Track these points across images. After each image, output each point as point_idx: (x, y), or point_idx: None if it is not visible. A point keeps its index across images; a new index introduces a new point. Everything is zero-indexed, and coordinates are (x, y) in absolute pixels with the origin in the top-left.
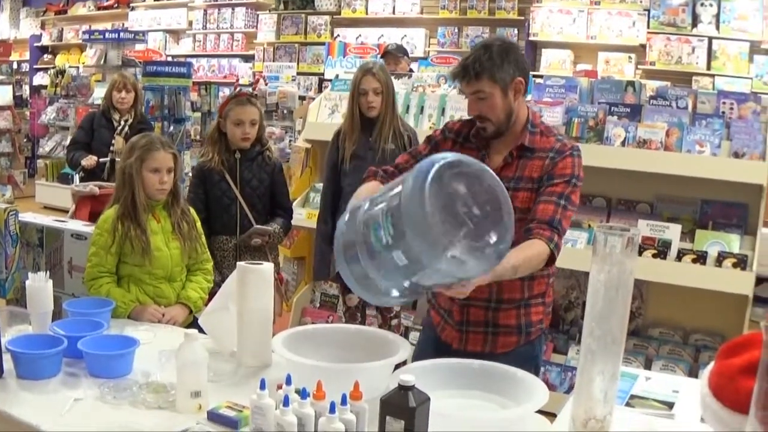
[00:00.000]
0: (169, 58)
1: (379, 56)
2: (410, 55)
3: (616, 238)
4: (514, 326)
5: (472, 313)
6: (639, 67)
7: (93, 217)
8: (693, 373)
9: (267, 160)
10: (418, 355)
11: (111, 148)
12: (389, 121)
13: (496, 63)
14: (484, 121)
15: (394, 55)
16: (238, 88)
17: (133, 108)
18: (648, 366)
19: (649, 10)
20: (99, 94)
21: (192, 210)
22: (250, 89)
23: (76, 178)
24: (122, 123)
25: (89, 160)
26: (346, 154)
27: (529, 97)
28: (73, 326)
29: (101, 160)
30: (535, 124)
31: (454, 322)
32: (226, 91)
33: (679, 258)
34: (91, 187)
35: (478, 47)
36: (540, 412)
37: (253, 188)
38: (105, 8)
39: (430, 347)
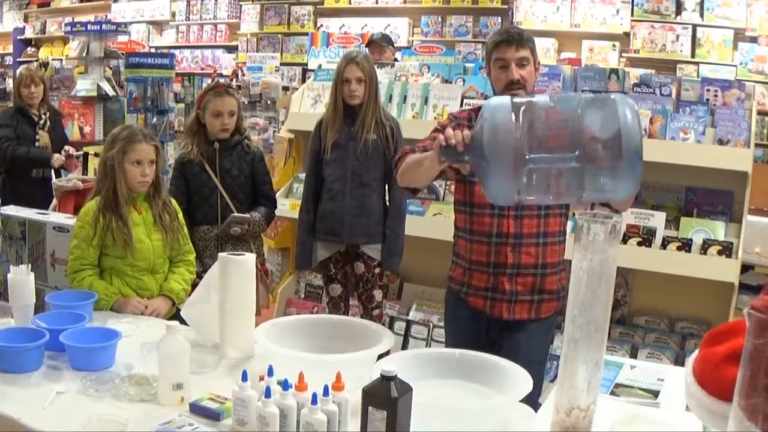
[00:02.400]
0: (153, 50)
1: (363, 46)
2: (394, 45)
3: (598, 225)
4: (555, 291)
5: (521, 282)
6: (623, 55)
7: (77, 211)
8: (679, 361)
9: (246, 149)
10: (464, 342)
11: (36, 143)
12: (372, 111)
13: (532, 41)
14: (518, 89)
15: (378, 44)
16: (215, 79)
17: (44, 101)
18: (634, 354)
19: None
20: (82, 86)
21: (173, 201)
22: (228, 80)
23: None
24: (42, 117)
25: (58, 161)
26: (327, 143)
27: None
28: (55, 319)
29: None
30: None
31: (504, 294)
32: (209, 82)
33: (664, 246)
34: (75, 181)
35: (509, 26)
36: (524, 401)
37: (233, 177)
38: (88, 0)
39: (473, 328)
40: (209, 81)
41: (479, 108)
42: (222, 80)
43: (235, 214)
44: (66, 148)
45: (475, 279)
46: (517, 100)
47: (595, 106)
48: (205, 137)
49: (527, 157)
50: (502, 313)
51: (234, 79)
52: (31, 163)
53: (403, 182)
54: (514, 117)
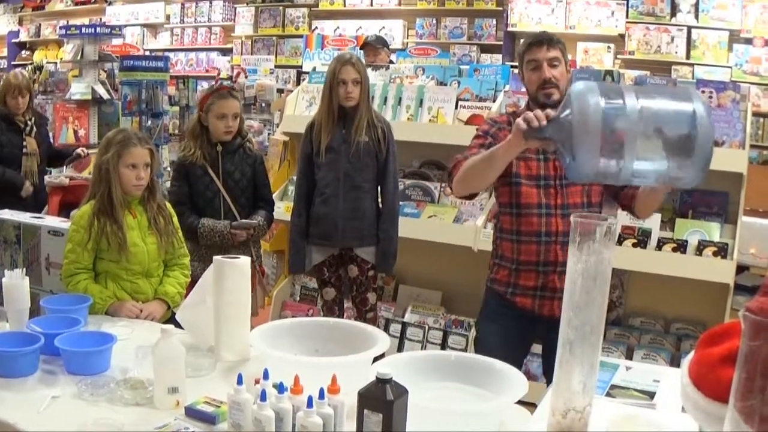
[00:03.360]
0: (147, 53)
1: (358, 48)
2: (390, 47)
3: (593, 227)
4: None
5: None
6: (618, 56)
7: (63, 207)
8: (675, 362)
9: (248, 152)
10: (503, 340)
11: (24, 150)
12: (365, 113)
13: (563, 42)
14: (552, 88)
15: (373, 46)
16: (219, 82)
17: (29, 107)
18: (630, 356)
19: (627, 0)
20: (77, 89)
21: (168, 205)
22: (230, 82)
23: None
24: (27, 123)
25: (26, 191)
26: (321, 146)
27: (507, 87)
28: (51, 323)
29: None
30: None
31: (555, 292)
32: (204, 85)
33: (659, 247)
34: (62, 178)
35: (540, 32)
36: (521, 403)
37: (235, 181)
38: (82, 3)
39: (516, 328)
40: (204, 84)
41: (514, 113)
42: (225, 82)
43: (242, 220)
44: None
45: (522, 279)
46: (600, 83)
47: (677, 97)
48: (207, 140)
49: (615, 131)
50: (553, 311)
51: (235, 82)
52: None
53: (462, 188)
54: (603, 100)
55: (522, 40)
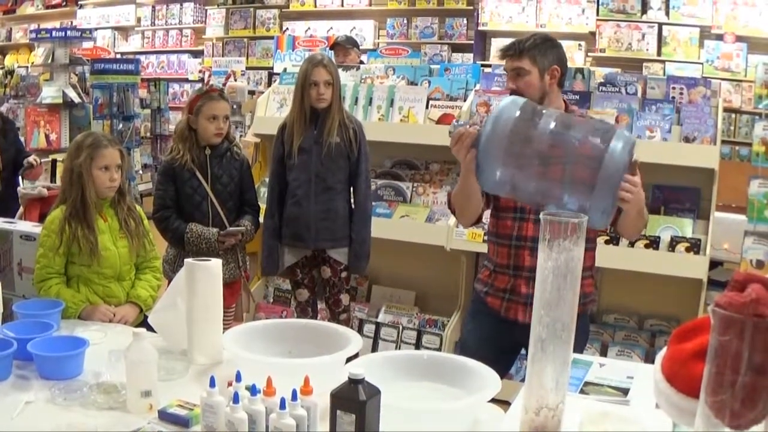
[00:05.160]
0: (118, 56)
1: (328, 48)
2: (360, 47)
3: (563, 225)
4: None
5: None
6: (589, 54)
7: (43, 219)
8: (649, 358)
9: (236, 156)
10: (478, 340)
11: None
12: (337, 114)
13: (540, 48)
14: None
15: (343, 46)
16: (209, 84)
17: None
18: (604, 352)
19: None
20: (47, 93)
21: (138, 207)
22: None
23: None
24: None
25: None
26: (293, 148)
27: (477, 86)
28: (23, 328)
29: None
30: (574, 111)
31: (520, 297)
32: (175, 87)
33: (632, 244)
34: (39, 189)
35: (531, 35)
36: (495, 401)
37: (223, 185)
38: (53, 6)
39: (491, 329)
40: (176, 86)
41: None
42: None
43: (230, 228)
44: (31, 158)
45: (498, 281)
46: (530, 103)
47: (597, 132)
48: (196, 143)
49: (517, 150)
50: (517, 315)
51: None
52: None
53: (464, 222)
54: (519, 112)
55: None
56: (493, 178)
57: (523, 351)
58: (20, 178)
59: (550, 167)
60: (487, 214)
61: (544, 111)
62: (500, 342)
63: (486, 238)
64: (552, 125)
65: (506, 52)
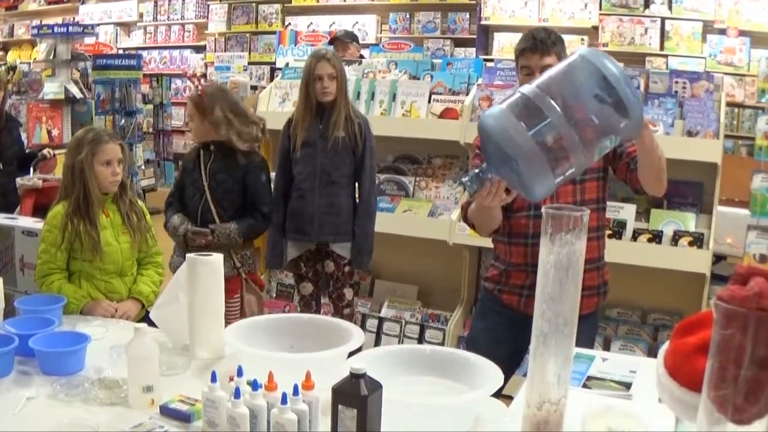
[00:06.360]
0: (120, 51)
1: (328, 43)
2: (362, 42)
3: (564, 218)
4: (595, 287)
5: None
6: None
7: (37, 209)
8: (652, 352)
9: (243, 155)
10: (491, 340)
11: None
12: (342, 108)
13: (562, 43)
14: None
15: (342, 41)
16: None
17: (2, 107)
18: (607, 347)
19: None
20: (49, 89)
21: (140, 203)
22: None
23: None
24: None
25: None
26: (297, 142)
27: (480, 81)
28: (25, 324)
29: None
30: None
31: None
32: (178, 83)
33: (634, 238)
34: (34, 180)
35: (537, 29)
36: (498, 395)
37: (218, 182)
38: (55, 2)
39: (509, 331)
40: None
41: None
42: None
43: (198, 228)
44: (45, 150)
45: (512, 278)
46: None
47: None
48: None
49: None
50: None
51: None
52: None
53: (485, 233)
54: (512, 116)
55: (519, 40)
56: (551, 183)
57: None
58: (31, 170)
59: (577, 116)
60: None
61: (519, 92)
62: (515, 341)
63: (494, 237)
64: (555, 100)
65: (534, 47)
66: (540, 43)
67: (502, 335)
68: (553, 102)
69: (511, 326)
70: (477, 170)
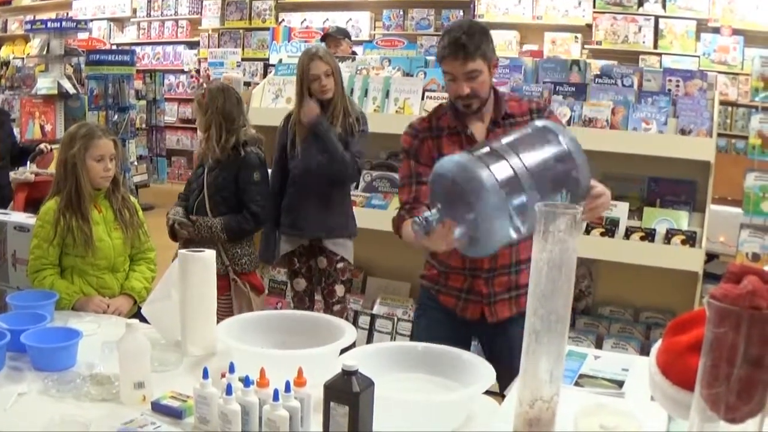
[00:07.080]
0: (114, 47)
1: (320, 40)
2: (355, 39)
3: (558, 216)
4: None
5: (497, 283)
6: (585, 47)
7: (29, 203)
8: (644, 350)
9: (241, 153)
10: (431, 339)
11: None
12: (340, 102)
13: (485, 41)
14: (471, 99)
15: (334, 37)
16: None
17: None
18: (599, 345)
19: None
20: (43, 84)
21: (133, 198)
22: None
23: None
24: None
25: None
26: (296, 138)
27: None
28: (17, 320)
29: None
30: (504, 93)
31: (481, 296)
32: (171, 79)
33: (627, 236)
34: (27, 174)
35: (457, 29)
36: (491, 393)
37: (213, 178)
38: None
39: (448, 330)
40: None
41: (436, 110)
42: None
43: (179, 218)
44: (42, 145)
45: (451, 280)
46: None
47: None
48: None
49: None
50: (476, 314)
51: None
52: None
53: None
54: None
55: (439, 41)
56: (507, 231)
57: (474, 342)
58: (27, 163)
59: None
60: None
61: (485, 149)
62: (455, 339)
63: None
64: (519, 160)
65: (457, 54)
66: (461, 48)
67: (441, 333)
68: (520, 161)
69: (450, 326)
70: (428, 215)
